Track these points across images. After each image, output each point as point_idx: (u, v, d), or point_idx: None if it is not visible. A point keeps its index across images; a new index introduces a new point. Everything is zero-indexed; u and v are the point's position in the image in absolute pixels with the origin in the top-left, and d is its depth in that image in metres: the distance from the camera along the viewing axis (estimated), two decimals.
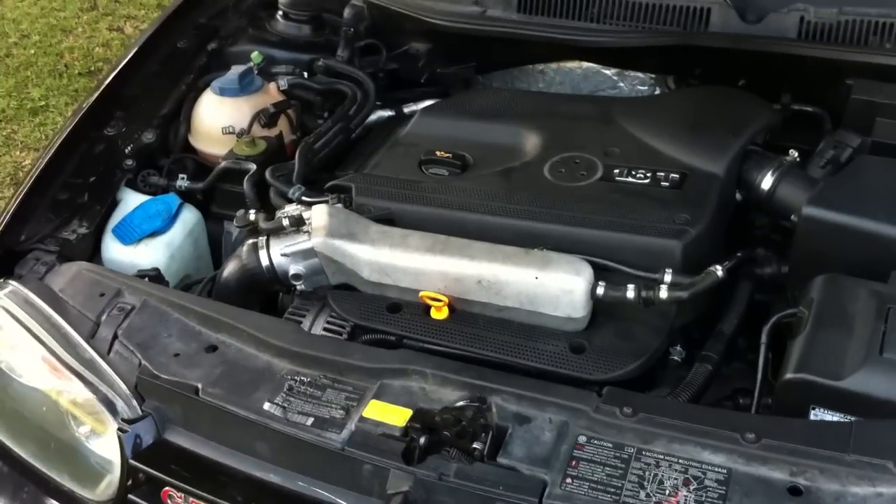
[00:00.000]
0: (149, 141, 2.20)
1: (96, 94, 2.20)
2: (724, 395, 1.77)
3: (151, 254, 2.02)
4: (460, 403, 1.49)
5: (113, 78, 2.24)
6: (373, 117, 2.36)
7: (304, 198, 1.95)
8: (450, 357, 1.64)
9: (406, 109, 2.39)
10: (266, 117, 2.20)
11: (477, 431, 1.44)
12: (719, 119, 1.98)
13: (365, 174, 2.04)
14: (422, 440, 1.44)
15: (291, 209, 1.90)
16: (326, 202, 1.91)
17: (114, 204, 2.10)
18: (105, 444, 1.71)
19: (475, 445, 1.43)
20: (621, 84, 2.47)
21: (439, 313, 1.75)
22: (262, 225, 1.84)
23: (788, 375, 1.49)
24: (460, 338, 1.71)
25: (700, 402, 1.67)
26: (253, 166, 2.05)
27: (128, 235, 2.01)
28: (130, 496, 1.65)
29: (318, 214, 1.82)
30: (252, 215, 1.88)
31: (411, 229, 1.84)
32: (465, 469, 1.40)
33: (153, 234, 2.03)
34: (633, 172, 1.90)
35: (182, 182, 2.15)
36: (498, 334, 1.71)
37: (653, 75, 2.39)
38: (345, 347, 1.65)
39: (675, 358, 1.75)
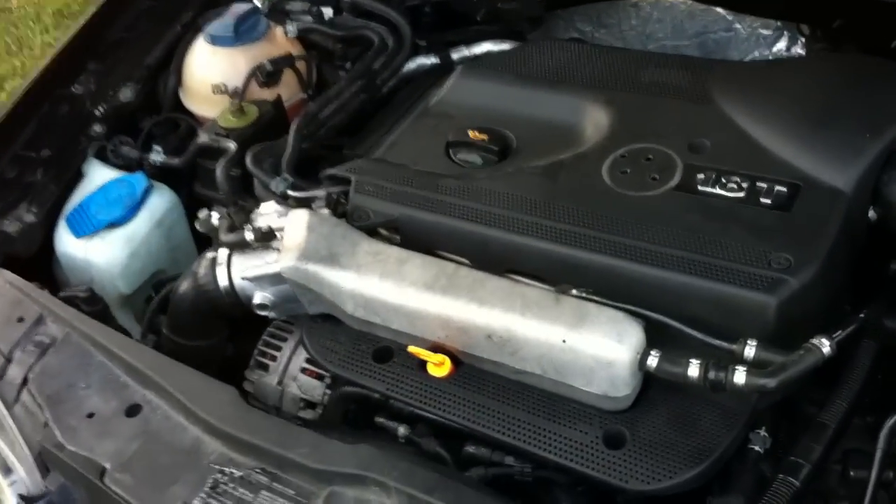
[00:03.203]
0: (126, 100, 1.79)
1: (66, 42, 1.79)
2: (835, 458, 1.30)
3: (108, 250, 1.63)
4: None
5: (90, 20, 1.82)
6: (412, 65, 1.88)
7: (291, 192, 1.52)
8: (446, 428, 1.25)
9: (455, 55, 1.90)
10: (263, 75, 1.75)
11: None
12: (856, 106, 1.41)
13: (373, 160, 1.58)
14: None
15: (268, 212, 1.48)
16: (312, 204, 1.48)
17: (77, 180, 1.71)
18: None
19: None
20: (738, 25, 1.90)
21: (439, 369, 1.32)
22: (222, 237, 1.43)
23: None
24: (459, 407, 1.32)
25: None
26: (231, 146, 1.61)
27: (82, 226, 1.63)
28: None
29: (294, 228, 1.39)
30: (214, 218, 1.47)
31: (416, 248, 1.41)
32: None
33: (112, 224, 1.64)
34: (724, 180, 1.37)
35: (157, 156, 1.73)
36: (510, 407, 1.29)
37: None
38: (290, 435, 1.23)
39: (757, 448, 1.26)
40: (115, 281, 1.63)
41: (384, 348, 1.38)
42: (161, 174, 1.74)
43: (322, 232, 1.39)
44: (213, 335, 1.52)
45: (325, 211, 1.46)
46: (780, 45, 1.83)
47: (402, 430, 1.38)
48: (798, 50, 1.80)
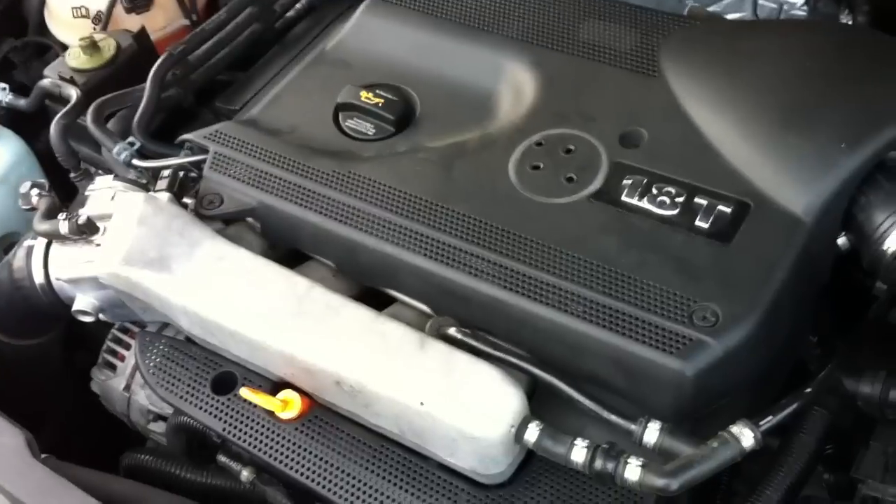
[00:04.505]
0: None
1: None
2: None
3: None
4: None
5: None
6: None
7: (136, 162, 1.25)
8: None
9: None
10: None
11: None
12: (839, 103, 1.10)
13: (243, 122, 1.29)
14: None
15: (103, 188, 1.21)
16: (151, 181, 1.21)
17: None
18: None
19: None
20: None
21: (286, 409, 1.07)
22: (36, 225, 1.16)
23: None
24: (303, 460, 1.08)
25: None
26: (73, 92, 1.32)
27: None
28: None
29: (121, 219, 1.13)
30: (35, 195, 1.20)
31: (278, 245, 1.17)
32: None
33: None
34: (655, 190, 1.08)
35: (4, 95, 1.45)
36: (361, 468, 1.06)
37: None
38: None
39: None
40: None
41: (226, 376, 1.13)
42: (12, 116, 1.46)
43: (154, 226, 1.12)
44: (40, 334, 1.28)
45: (165, 194, 1.18)
46: None
47: (245, 473, 1.17)
48: None
